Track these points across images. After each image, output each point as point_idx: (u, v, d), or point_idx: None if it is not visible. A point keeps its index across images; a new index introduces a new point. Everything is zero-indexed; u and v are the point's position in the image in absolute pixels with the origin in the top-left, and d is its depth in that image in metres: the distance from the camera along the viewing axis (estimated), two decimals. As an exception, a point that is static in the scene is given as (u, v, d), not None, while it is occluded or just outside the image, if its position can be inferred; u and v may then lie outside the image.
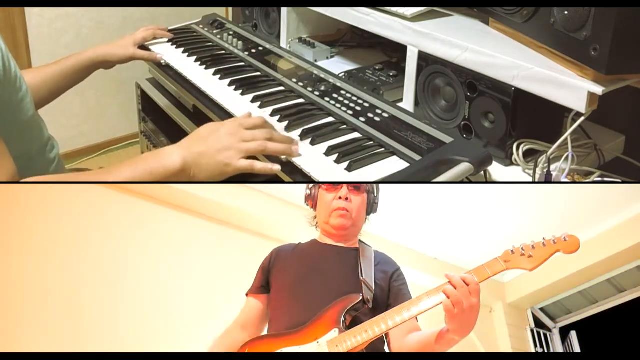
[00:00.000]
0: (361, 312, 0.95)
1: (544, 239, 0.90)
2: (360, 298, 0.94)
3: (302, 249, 1.09)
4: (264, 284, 1.06)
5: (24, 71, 1.22)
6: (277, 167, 1.09)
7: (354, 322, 0.93)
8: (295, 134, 1.21)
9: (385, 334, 0.96)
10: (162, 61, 1.63)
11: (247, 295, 1.07)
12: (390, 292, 1.00)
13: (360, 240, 1.09)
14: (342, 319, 0.92)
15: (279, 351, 0.92)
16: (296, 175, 1.11)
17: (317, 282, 1.00)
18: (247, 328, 1.03)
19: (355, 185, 1.06)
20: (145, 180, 1.04)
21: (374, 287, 0.98)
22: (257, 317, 1.04)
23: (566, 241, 0.89)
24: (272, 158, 1.13)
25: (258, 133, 1.09)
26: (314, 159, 1.13)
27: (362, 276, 0.98)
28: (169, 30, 1.78)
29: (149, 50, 1.66)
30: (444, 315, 0.88)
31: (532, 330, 2.29)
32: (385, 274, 1.02)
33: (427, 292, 0.89)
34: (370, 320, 0.91)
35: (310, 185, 1.10)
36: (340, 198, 1.04)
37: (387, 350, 0.99)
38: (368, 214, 1.10)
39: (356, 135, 1.21)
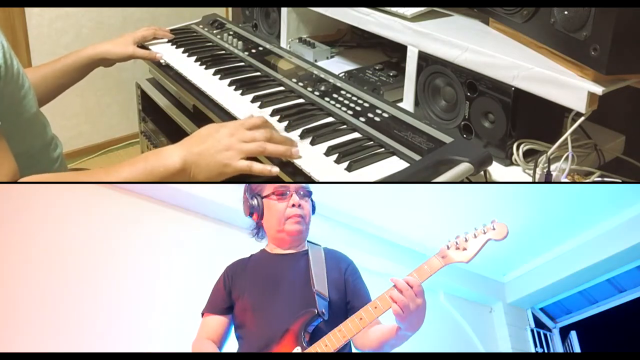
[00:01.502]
0: (320, 322, 0.97)
1: (475, 229, 0.94)
2: (315, 313, 0.97)
3: (255, 264, 1.09)
4: (227, 305, 1.06)
5: (24, 69, 1.22)
6: (275, 169, 1.09)
7: (315, 334, 0.95)
8: (295, 134, 1.21)
9: None
10: (162, 61, 1.63)
11: (204, 314, 1.07)
12: (346, 289, 1.03)
13: (308, 241, 1.09)
14: (302, 336, 0.95)
15: None
16: (296, 175, 1.11)
17: (277, 297, 1.01)
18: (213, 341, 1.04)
19: (304, 192, 1.07)
20: (145, 179, 1.04)
21: (328, 293, 1.00)
22: (220, 334, 1.05)
23: (495, 229, 0.93)
24: (272, 159, 1.13)
25: (258, 134, 1.09)
26: (314, 159, 1.13)
27: (314, 287, 1.00)
28: (169, 31, 1.78)
29: (148, 49, 1.66)
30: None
31: (532, 330, 2.29)
32: (340, 272, 1.04)
33: (377, 298, 0.92)
34: (329, 333, 0.93)
35: (250, 196, 1.10)
36: (293, 205, 1.05)
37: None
38: None
39: (356, 135, 1.21)
